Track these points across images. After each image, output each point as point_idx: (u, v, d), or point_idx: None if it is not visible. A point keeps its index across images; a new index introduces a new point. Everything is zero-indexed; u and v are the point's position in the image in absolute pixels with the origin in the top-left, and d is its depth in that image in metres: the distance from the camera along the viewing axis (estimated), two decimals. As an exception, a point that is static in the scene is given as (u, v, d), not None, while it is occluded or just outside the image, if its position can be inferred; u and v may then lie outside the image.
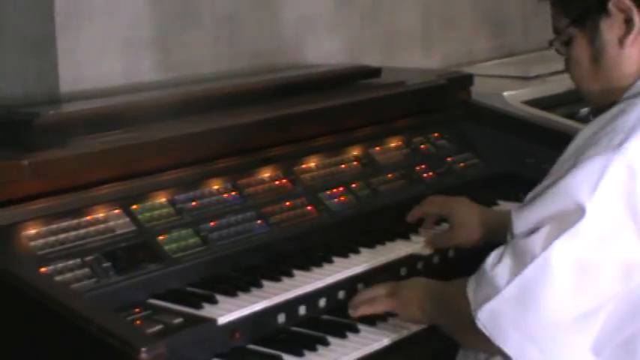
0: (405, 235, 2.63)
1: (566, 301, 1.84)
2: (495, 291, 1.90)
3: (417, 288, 2.28)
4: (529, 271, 1.86)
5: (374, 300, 2.29)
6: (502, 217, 2.49)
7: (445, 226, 2.66)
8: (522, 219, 1.92)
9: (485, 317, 1.91)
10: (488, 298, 1.91)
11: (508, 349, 1.89)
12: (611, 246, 1.81)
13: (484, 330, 1.92)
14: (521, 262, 1.87)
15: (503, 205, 2.96)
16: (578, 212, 1.81)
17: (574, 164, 1.85)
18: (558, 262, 1.83)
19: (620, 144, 1.81)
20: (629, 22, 1.95)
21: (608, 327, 1.86)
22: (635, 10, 1.94)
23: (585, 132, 1.92)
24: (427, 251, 2.57)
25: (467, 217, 2.56)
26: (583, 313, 1.84)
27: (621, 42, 1.96)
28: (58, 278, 2.09)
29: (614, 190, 1.80)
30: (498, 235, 2.44)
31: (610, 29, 1.97)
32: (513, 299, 1.88)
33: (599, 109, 2.04)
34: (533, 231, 1.88)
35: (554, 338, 1.86)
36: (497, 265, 1.93)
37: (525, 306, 1.87)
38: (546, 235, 1.85)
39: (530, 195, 1.95)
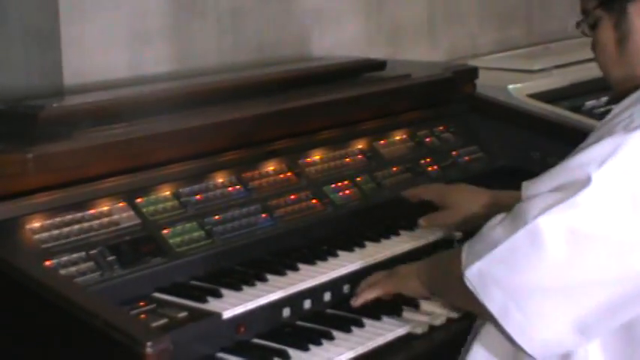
0: (410, 229, 2.62)
1: (554, 269, 1.84)
2: (486, 250, 1.92)
3: (412, 265, 2.30)
4: (520, 234, 1.86)
5: (374, 284, 2.29)
6: (500, 195, 2.55)
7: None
8: (531, 188, 1.93)
9: (473, 274, 1.93)
10: (478, 257, 1.93)
11: (491, 307, 1.90)
12: (608, 222, 1.80)
13: (470, 287, 1.93)
14: (515, 224, 1.88)
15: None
16: (583, 182, 1.81)
17: (589, 143, 1.85)
18: (550, 230, 1.82)
19: (635, 128, 1.81)
20: None
21: (598, 307, 1.84)
22: None
23: (605, 119, 1.92)
24: (423, 224, 2.58)
25: (461, 199, 2.56)
26: (571, 284, 1.83)
27: None
28: (62, 272, 2.08)
29: (623, 168, 1.80)
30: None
31: (637, 13, 1.97)
32: (502, 260, 1.89)
33: (621, 96, 2.04)
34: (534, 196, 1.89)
35: (538, 303, 1.86)
36: (496, 226, 1.95)
37: (512, 268, 1.87)
38: (545, 201, 1.85)
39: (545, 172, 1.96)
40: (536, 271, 1.85)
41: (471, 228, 2.46)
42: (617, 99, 2.03)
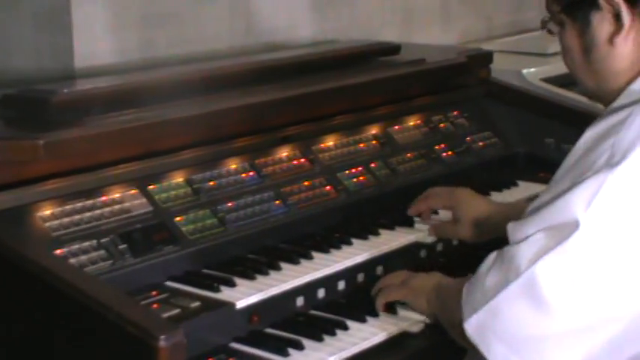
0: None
1: (552, 318, 1.79)
2: (482, 302, 1.88)
3: (428, 280, 2.25)
4: (514, 286, 1.82)
5: (388, 288, 2.26)
6: (508, 210, 2.47)
7: (445, 214, 2.57)
8: (518, 231, 1.88)
9: (473, 328, 1.90)
10: (475, 309, 1.89)
11: None
12: (601, 264, 1.75)
13: (471, 340, 1.90)
14: (509, 274, 1.84)
15: (522, 186, 2.93)
16: (572, 225, 1.76)
17: (573, 183, 1.79)
18: (544, 280, 1.78)
19: (618, 163, 1.74)
20: (618, 19, 1.86)
21: (600, 348, 1.79)
22: (623, 6, 1.85)
23: (585, 140, 1.84)
24: (430, 239, 2.51)
25: (473, 212, 2.48)
26: (571, 330, 1.79)
27: (611, 40, 1.88)
28: (73, 260, 2.05)
29: (609, 208, 1.74)
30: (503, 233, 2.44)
31: (600, 24, 1.89)
32: (499, 312, 1.85)
33: (599, 102, 2.00)
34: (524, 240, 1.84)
35: (540, 353, 1.82)
36: (488, 273, 1.91)
37: (511, 320, 1.84)
38: (536, 247, 1.80)
39: (529, 209, 1.91)
40: (535, 321, 1.81)
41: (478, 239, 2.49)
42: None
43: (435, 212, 2.61)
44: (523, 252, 1.82)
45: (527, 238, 1.83)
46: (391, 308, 2.25)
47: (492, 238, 2.47)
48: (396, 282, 2.28)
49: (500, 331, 1.85)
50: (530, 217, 1.87)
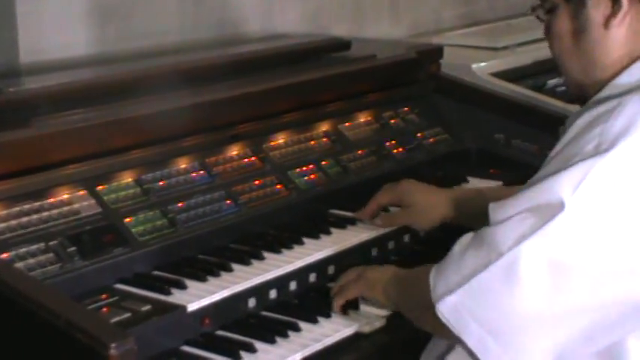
0: (377, 215, 2.57)
1: (532, 301, 1.79)
2: (460, 283, 1.86)
3: (383, 271, 2.25)
4: (495, 267, 1.81)
5: (345, 287, 2.25)
6: (459, 195, 2.50)
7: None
8: (499, 211, 1.86)
9: (447, 308, 1.88)
10: (451, 290, 1.87)
11: (468, 341, 1.86)
12: (584, 250, 1.75)
13: (444, 320, 1.88)
14: (489, 255, 1.82)
15: (473, 182, 2.93)
16: (557, 207, 1.76)
17: (559, 167, 1.79)
18: (526, 262, 1.77)
19: (607, 150, 1.75)
20: (615, 1, 1.87)
21: (577, 335, 1.80)
22: None
23: (574, 129, 1.85)
24: (382, 231, 2.51)
25: (420, 200, 2.49)
26: (549, 314, 1.79)
27: (607, 22, 1.89)
28: (20, 264, 2.02)
29: (595, 193, 1.75)
30: (453, 217, 2.47)
31: (596, 6, 1.89)
32: (478, 293, 1.84)
33: (579, 93, 1.99)
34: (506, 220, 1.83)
35: (516, 336, 1.82)
36: (465, 253, 1.89)
37: (489, 301, 1.83)
38: (519, 228, 1.79)
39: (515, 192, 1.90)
40: (514, 303, 1.80)
41: (430, 228, 2.50)
42: (578, 98, 1.98)
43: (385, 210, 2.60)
44: (505, 232, 1.81)
45: (510, 218, 1.82)
46: (351, 305, 2.25)
47: (443, 236, 2.49)
48: (351, 278, 2.27)
49: (477, 312, 1.83)
50: (513, 198, 1.85)
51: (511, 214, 1.82)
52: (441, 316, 1.88)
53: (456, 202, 2.47)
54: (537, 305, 1.79)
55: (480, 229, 1.93)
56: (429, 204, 2.48)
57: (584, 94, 1.97)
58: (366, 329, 2.20)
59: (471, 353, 1.86)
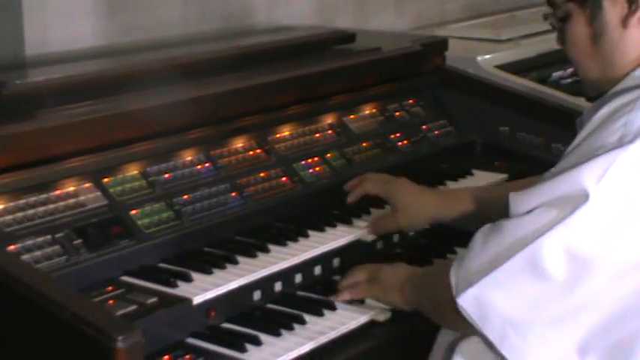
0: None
1: (555, 294, 1.79)
2: (481, 274, 1.86)
3: (397, 273, 2.24)
4: (518, 258, 1.81)
5: (355, 286, 2.25)
6: (446, 199, 2.47)
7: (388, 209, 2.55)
8: (522, 201, 1.86)
9: (467, 302, 1.87)
10: (471, 282, 1.87)
11: (489, 334, 1.86)
12: (608, 242, 1.75)
13: (465, 315, 1.88)
14: (512, 247, 1.82)
15: (478, 175, 2.94)
16: (581, 197, 1.75)
17: (582, 159, 1.79)
18: (550, 254, 1.78)
19: (631, 141, 1.75)
20: (631, 1, 1.87)
21: (598, 327, 1.80)
22: None
23: (595, 121, 1.84)
24: (370, 237, 2.47)
25: (409, 201, 2.45)
26: (572, 307, 1.79)
27: (624, 22, 1.88)
28: (27, 256, 2.02)
29: (620, 183, 1.75)
30: (443, 219, 2.45)
31: (612, 7, 1.89)
32: (499, 285, 1.83)
33: (595, 92, 1.99)
34: (528, 212, 1.83)
35: (539, 328, 1.82)
36: (486, 246, 1.88)
37: (511, 294, 1.82)
38: (543, 220, 1.79)
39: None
40: (537, 296, 1.80)
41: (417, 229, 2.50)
42: (596, 95, 1.98)
43: (369, 212, 2.56)
44: (528, 224, 1.81)
45: (532, 210, 1.82)
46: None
47: (448, 229, 2.49)
48: (363, 279, 2.26)
49: (499, 304, 1.83)
50: (534, 189, 1.85)
51: (534, 205, 1.83)
52: (462, 309, 1.88)
53: (446, 205, 2.44)
54: (560, 298, 1.79)
55: (479, 226, 1.94)
56: (418, 208, 2.45)
57: (601, 92, 1.96)
58: (381, 317, 2.21)
59: (492, 346, 1.86)
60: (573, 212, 1.76)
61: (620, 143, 1.76)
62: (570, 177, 1.78)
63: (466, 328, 1.93)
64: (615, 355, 1.81)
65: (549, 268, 1.78)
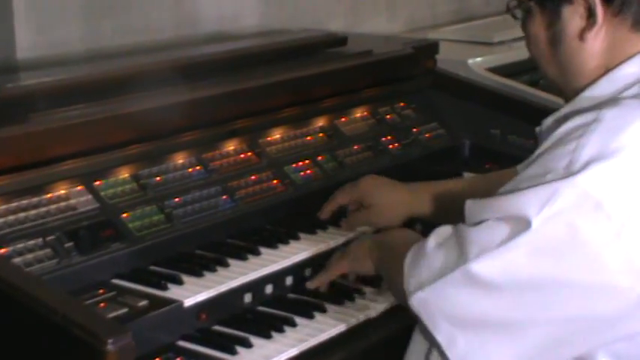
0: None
1: (495, 307, 1.80)
2: (429, 280, 1.87)
3: (362, 242, 2.28)
4: (459, 273, 1.82)
5: (329, 266, 2.28)
6: (419, 194, 2.47)
7: None
8: (476, 211, 1.87)
9: (418, 302, 1.89)
10: (421, 285, 1.89)
11: (437, 335, 1.87)
12: (546, 267, 1.75)
13: (416, 312, 1.90)
14: (457, 259, 1.83)
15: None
16: (524, 223, 1.75)
17: (533, 180, 1.77)
18: (489, 272, 1.78)
19: (577, 172, 1.72)
20: (591, 14, 1.84)
21: (540, 347, 1.80)
22: (598, 1, 1.83)
23: (552, 139, 1.81)
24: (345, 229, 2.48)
25: (383, 200, 2.46)
26: (513, 322, 1.80)
27: (582, 35, 1.85)
28: (18, 259, 2.02)
29: (560, 215, 1.73)
30: (416, 214, 2.46)
31: (571, 18, 1.86)
32: (446, 293, 1.85)
33: (558, 93, 2.00)
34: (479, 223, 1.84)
35: (482, 338, 1.83)
36: (438, 250, 1.90)
37: (456, 302, 1.84)
38: (487, 237, 1.79)
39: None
40: (479, 308, 1.81)
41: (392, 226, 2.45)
42: (560, 93, 1.99)
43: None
44: (473, 239, 1.82)
45: (482, 222, 1.83)
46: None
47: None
48: (336, 257, 2.31)
49: (445, 310, 1.85)
50: (488, 202, 1.85)
51: (484, 217, 1.83)
52: (413, 309, 1.90)
53: (419, 199, 2.45)
54: (500, 312, 1.80)
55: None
56: (389, 203, 2.45)
57: (561, 92, 1.97)
58: (372, 313, 2.23)
59: (439, 348, 1.88)
60: (514, 237, 1.75)
61: (567, 172, 1.73)
62: (517, 199, 1.77)
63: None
64: None
65: (487, 287, 1.79)
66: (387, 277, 2.17)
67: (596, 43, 1.86)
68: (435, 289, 1.86)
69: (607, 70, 1.87)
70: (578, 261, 1.74)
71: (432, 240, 1.93)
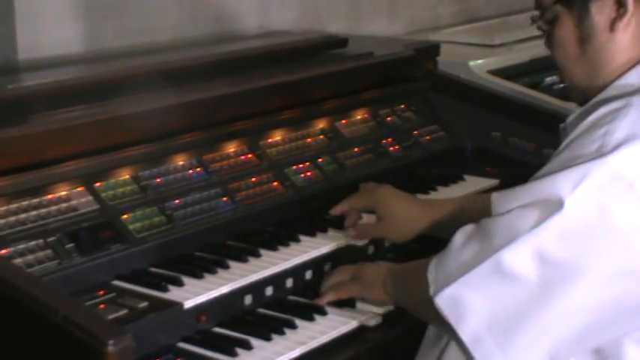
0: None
1: (526, 298, 1.79)
2: (457, 275, 1.87)
3: (378, 269, 2.25)
4: (489, 263, 1.82)
5: (339, 286, 2.26)
6: (433, 211, 2.43)
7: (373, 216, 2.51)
8: (503, 201, 1.87)
9: (444, 301, 1.88)
10: (448, 282, 1.88)
11: (463, 334, 1.86)
12: (581, 250, 1.76)
13: (442, 312, 1.89)
14: (487, 248, 1.83)
15: (469, 180, 2.94)
16: (556, 204, 1.76)
17: (562, 166, 1.79)
18: (520, 260, 1.78)
19: (608, 153, 1.76)
20: (620, 4, 1.87)
21: (571, 335, 1.80)
22: None
23: (581, 127, 1.84)
24: (361, 242, 2.46)
25: (398, 215, 2.42)
26: (544, 313, 1.79)
27: (612, 26, 1.89)
28: (19, 260, 2.03)
29: (595, 194, 1.75)
30: (430, 229, 2.42)
31: (600, 11, 1.89)
32: (474, 286, 1.84)
33: (582, 98, 1.99)
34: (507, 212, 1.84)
35: (512, 333, 1.82)
36: (465, 245, 1.89)
37: (485, 295, 1.83)
38: (516, 225, 1.80)
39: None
40: (510, 299, 1.81)
41: (403, 241, 2.44)
42: (582, 101, 1.99)
43: (360, 217, 2.52)
44: (503, 227, 1.82)
45: (510, 211, 1.83)
46: (348, 302, 2.26)
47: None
48: (346, 279, 2.28)
49: (474, 306, 1.84)
50: (515, 191, 1.86)
51: (513, 206, 1.83)
52: (438, 307, 1.89)
53: (433, 217, 2.41)
54: (531, 302, 1.79)
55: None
56: (405, 218, 2.42)
57: (586, 98, 1.97)
58: (371, 322, 2.21)
59: (464, 346, 1.87)
60: (547, 218, 1.77)
61: (598, 154, 1.77)
62: (548, 183, 1.80)
63: (442, 325, 1.94)
64: (599, 358, 1.83)
65: (521, 273, 1.79)
66: (407, 296, 2.13)
67: (626, 34, 1.89)
68: (463, 283, 1.85)
69: (636, 62, 1.90)
70: (608, 245, 1.75)
71: (458, 238, 1.93)
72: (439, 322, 1.95)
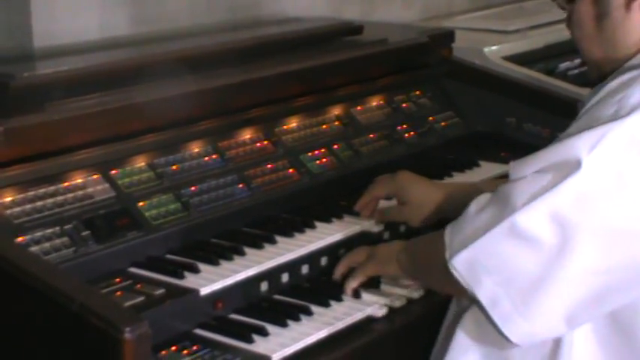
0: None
1: (543, 259, 1.81)
2: (473, 238, 1.88)
3: (392, 245, 2.27)
4: (505, 224, 1.83)
5: (356, 271, 2.26)
6: (454, 191, 2.44)
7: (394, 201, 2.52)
8: (520, 167, 1.89)
9: (461, 263, 1.90)
10: (464, 245, 1.89)
11: (480, 296, 1.88)
12: (597, 210, 1.78)
13: (458, 277, 1.90)
14: (503, 211, 1.84)
15: (484, 166, 2.94)
16: (574, 165, 1.78)
17: (581, 129, 1.82)
18: (536, 221, 1.80)
19: (625, 116, 1.79)
20: None
21: (587, 297, 1.82)
22: None
23: (600, 94, 1.88)
24: (376, 229, 2.47)
25: (419, 198, 2.43)
26: (561, 274, 1.80)
27: (628, 5, 1.92)
28: (35, 248, 2.04)
29: (612, 154, 1.78)
30: (450, 212, 2.37)
31: None
32: (490, 249, 1.86)
33: (599, 77, 2.00)
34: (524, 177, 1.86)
35: (529, 294, 1.83)
36: (481, 210, 1.91)
37: (501, 258, 1.85)
38: (534, 186, 1.82)
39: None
40: (526, 261, 1.82)
41: (424, 225, 2.43)
42: (598, 78, 1.99)
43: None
44: (520, 189, 1.84)
45: (526, 176, 1.85)
46: (372, 284, 2.27)
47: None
48: (361, 260, 2.29)
49: (489, 267, 1.86)
50: (532, 157, 1.89)
51: (529, 171, 1.86)
52: (454, 271, 1.90)
53: (452, 199, 2.42)
54: (548, 264, 1.81)
55: None
56: (424, 201, 2.43)
57: (603, 75, 1.99)
58: (397, 303, 2.23)
59: (482, 310, 1.88)
60: (564, 179, 1.79)
61: (615, 116, 1.80)
62: (565, 145, 1.82)
63: (459, 292, 1.95)
64: (610, 325, 1.84)
65: (537, 234, 1.81)
66: (421, 267, 2.14)
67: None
68: (479, 246, 1.87)
69: None
70: (624, 207, 1.77)
71: (474, 205, 1.95)
72: (455, 289, 1.96)
